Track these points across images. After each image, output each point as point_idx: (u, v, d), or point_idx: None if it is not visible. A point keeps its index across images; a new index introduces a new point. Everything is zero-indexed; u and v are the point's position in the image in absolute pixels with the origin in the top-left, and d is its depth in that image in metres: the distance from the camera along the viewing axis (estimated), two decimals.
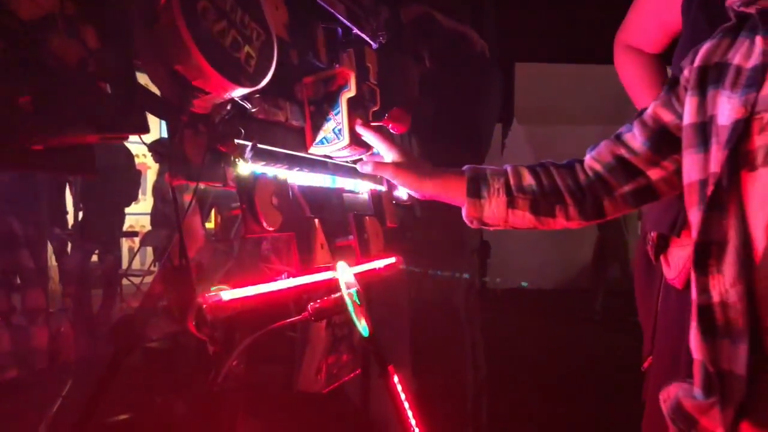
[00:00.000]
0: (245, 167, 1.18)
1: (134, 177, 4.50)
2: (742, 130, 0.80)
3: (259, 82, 1.09)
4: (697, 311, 0.83)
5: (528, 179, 1.08)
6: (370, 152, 1.58)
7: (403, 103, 2.04)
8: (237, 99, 1.12)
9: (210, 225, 1.95)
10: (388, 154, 1.24)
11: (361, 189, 1.83)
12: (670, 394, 0.89)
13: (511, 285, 6.44)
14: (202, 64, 0.97)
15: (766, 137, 0.78)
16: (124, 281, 4.96)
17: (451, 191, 1.14)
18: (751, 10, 0.85)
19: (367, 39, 1.67)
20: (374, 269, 1.76)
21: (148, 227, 5.32)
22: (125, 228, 6.10)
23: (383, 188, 1.92)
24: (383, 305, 2.38)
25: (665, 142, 0.98)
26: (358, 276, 1.62)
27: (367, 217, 1.77)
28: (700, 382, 0.84)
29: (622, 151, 1.02)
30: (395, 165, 1.20)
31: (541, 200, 1.07)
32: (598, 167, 1.05)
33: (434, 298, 2.71)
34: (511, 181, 1.09)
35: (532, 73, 6.67)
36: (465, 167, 1.15)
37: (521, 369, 4.12)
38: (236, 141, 1.16)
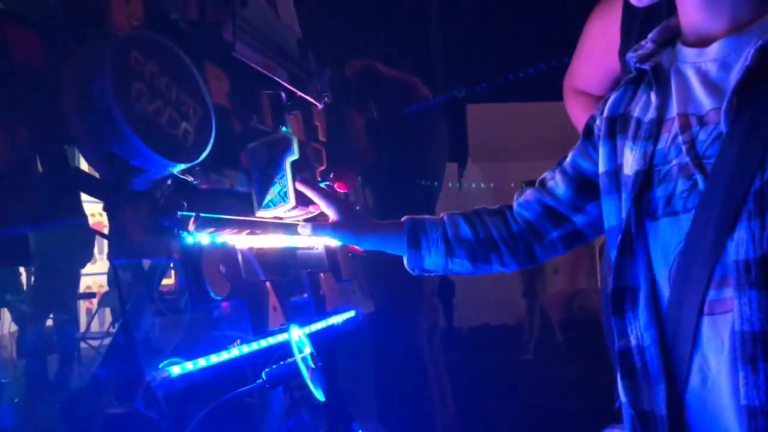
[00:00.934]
0: (189, 238, 1.18)
1: (87, 238, 4.38)
2: (643, 180, 0.85)
3: (199, 156, 1.10)
4: (617, 355, 0.86)
5: (464, 229, 1.13)
6: (318, 211, 1.59)
7: (349, 158, 2.07)
8: (177, 173, 1.12)
9: (170, 281, 1.92)
10: (327, 212, 1.26)
11: (316, 245, 1.84)
12: None
13: (477, 323, 6.45)
14: (138, 146, 0.98)
15: (665, 189, 0.83)
16: (83, 344, 4.80)
17: (391, 244, 1.18)
18: (646, 66, 0.90)
19: (312, 100, 1.70)
20: (332, 325, 1.76)
21: (107, 288, 5.18)
22: (82, 289, 5.93)
23: (338, 243, 1.93)
24: (347, 358, 2.38)
25: (586, 188, 1.03)
26: (316, 334, 1.62)
27: (322, 274, 1.77)
28: (627, 424, 0.86)
29: (548, 199, 1.08)
30: (333, 224, 1.22)
31: (477, 249, 1.12)
32: (527, 215, 1.10)
33: (397, 345, 2.71)
34: (449, 231, 1.13)
35: (483, 113, 6.84)
36: (404, 218, 1.18)
37: (490, 403, 4.11)
38: (179, 213, 1.16)
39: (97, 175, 1.04)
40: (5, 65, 0.86)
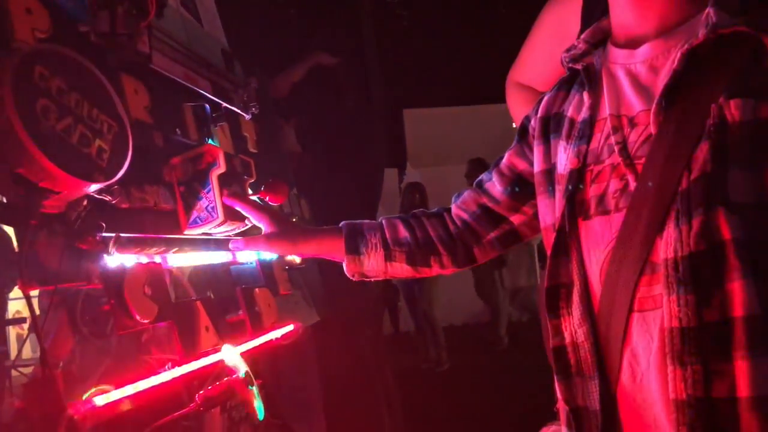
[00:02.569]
0: (110, 261, 1.12)
1: (10, 260, 4.15)
2: (577, 179, 0.86)
3: (115, 174, 1.05)
4: (552, 353, 0.87)
5: (403, 232, 1.12)
6: (249, 225, 1.55)
7: (282, 169, 2.04)
8: (94, 194, 1.06)
9: None
10: (259, 224, 1.23)
11: (250, 259, 1.79)
12: None
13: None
14: (47, 166, 0.92)
15: (597, 188, 0.84)
16: (14, 373, 4.57)
17: (329, 250, 1.17)
18: (578, 66, 0.92)
19: (239, 111, 1.66)
20: (272, 340, 1.71)
21: (38, 312, 4.95)
22: (12, 314, 5.64)
23: (274, 256, 1.89)
24: (291, 371, 2.33)
25: (522, 188, 1.04)
26: (254, 351, 1.57)
27: (257, 289, 1.72)
28: (564, 420, 0.87)
29: (485, 200, 1.08)
30: (266, 236, 1.20)
31: (417, 252, 1.12)
32: (465, 216, 1.10)
33: (341, 353, 2.68)
34: (387, 235, 1.12)
35: (420, 117, 6.92)
36: (342, 224, 1.17)
37: (438, 406, 4.13)
38: (98, 235, 1.10)
39: (3, 198, 0.98)
40: None
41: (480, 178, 1.13)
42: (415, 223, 1.14)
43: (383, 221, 1.17)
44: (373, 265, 1.13)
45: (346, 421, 2.72)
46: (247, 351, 1.53)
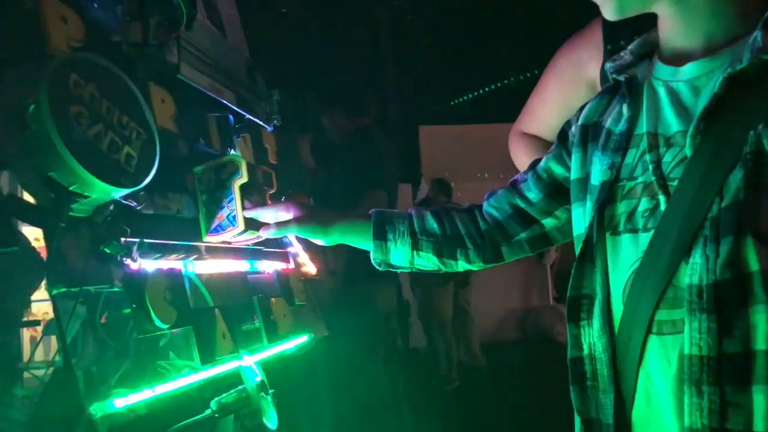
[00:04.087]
0: (133, 265, 1.15)
1: (31, 264, 4.20)
2: (608, 192, 0.86)
3: (142, 181, 1.07)
4: (569, 363, 0.87)
5: (431, 223, 1.12)
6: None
7: (301, 181, 2.06)
8: (120, 199, 1.09)
9: None
10: (287, 213, 1.23)
11: (267, 269, 1.81)
12: None
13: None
14: (78, 170, 0.94)
15: (628, 205, 0.84)
16: (26, 375, 4.60)
17: (357, 235, 1.17)
18: (621, 78, 0.92)
19: (261, 123, 1.69)
20: (284, 351, 1.72)
21: (51, 315, 4.98)
22: (26, 317, 5.67)
23: (290, 266, 1.91)
24: (301, 384, 2.33)
25: (557, 193, 1.04)
26: (268, 360, 1.59)
27: (273, 299, 1.74)
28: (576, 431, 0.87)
29: (518, 201, 1.08)
30: (297, 219, 1.20)
31: (444, 244, 1.12)
32: (496, 214, 1.10)
33: (353, 369, 2.68)
34: (416, 225, 1.12)
35: (435, 134, 6.96)
36: (371, 211, 1.17)
37: (449, 424, 4.10)
38: (122, 240, 1.12)
39: (33, 201, 1.00)
40: None
41: (515, 177, 1.13)
42: (444, 216, 1.14)
43: (413, 211, 1.18)
44: (399, 253, 1.13)
45: None
46: (262, 360, 1.54)
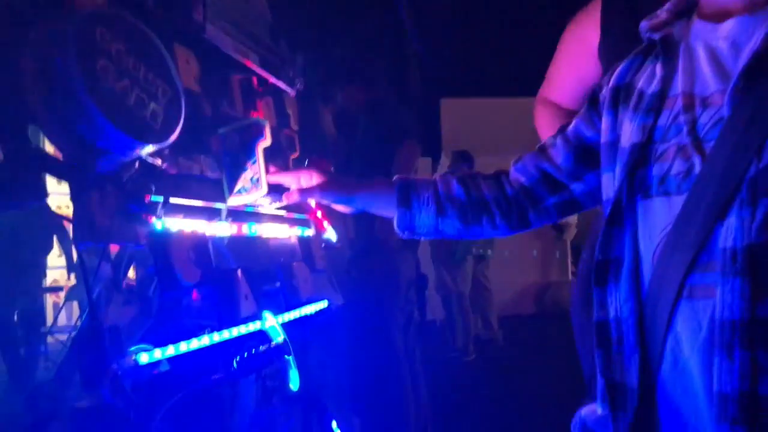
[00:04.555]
0: (158, 224, 1.15)
1: (49, 223, 4.22)
2: (639, 155, 0.84)
3: (167, 138, 1.07)
4: (594, 326, 0.86)
5: (456, 189, 1.11)
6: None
7: (322, 148, 2.05)
8: (145, 156, 1.09)
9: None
10: (310, 178, 1.21)
11: (289, 234, 1.82)
12: (576, 419, 0.91)
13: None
14: (104, 125, 0.95)
15: (660, 167, 0.82)
16: (50, 339, 4.71)
17: (381, 202, 1.15)
18: (656, 36, 0.89)
19: (284, 87, 1.68)
20: (305, 315, 1.74)
21: (74, 281, 5.07)
22: (49, 282, 5.79)
23: (311, 232, 1.91)
24: (320, 349, 2.36)
25: (587, 157, 1.01)
26: (289, 323, 1.60)
27: (295, 263, 1.75)
28: (599, 396, 0.86)
29: (546, 165, 1.05)
30: (320, 185, 1.18)
31: (469, 209, 1.10)
32: (523, 179, 1.08)
33: (371, 337, 2.70)
34: (440, 190, 1.11)
35: (457, 108, 6.87)
36: (395, 178, 1.16)
37: (466, 401, 4.13)
38: (147, 198, 1.13)
39: (60, 156, 1.01)
40: None
41: (543, 142, 1.11)
42: (469, 182, 1.12)
43: (437, 177, 1.16)
44: (424, 219, 1.11)
45: (372, 403, 2.74)
46: (283, 322, 1.56)
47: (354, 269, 2.71)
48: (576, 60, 1.52)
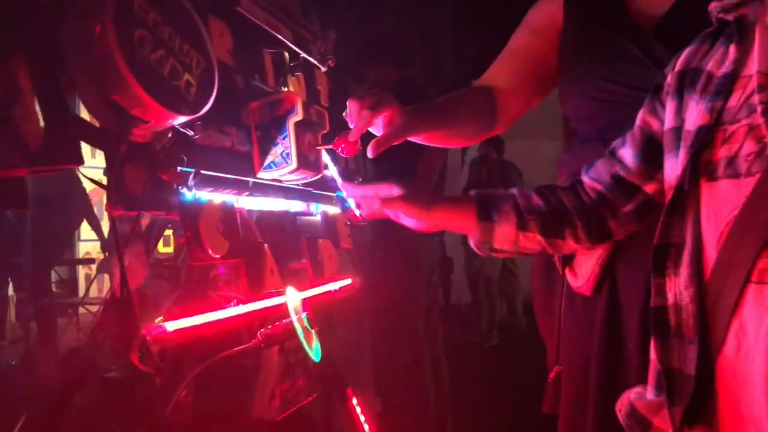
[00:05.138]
0: (189, 195, 1.17)
1: (77, 202, 4.29)
2: (705, 137, 0.81)
3: (200, 109, 1.08)
4: (652, 312, 0.85)
5: (536, 200, 1.06)
6: (320, 174, 1.58)
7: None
8: (178, 127, 1.11)
9: (169, 249, 1.91)
10: (389, 191, 1.08)
11: (314, 211, 1.83)
12: (624, 401, 0.90)
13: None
14: (139, 94, 0.96)
15: (728, 149, 0.79)
16: (81, 309, 4.84)
17: (460, 218, 1.08)
18: (729, 17, 0.86)
19: (316, 63, 1.68)
20: (329, 292, 1.75)
21: (105, 255, 5.18)
22: (82, 255, 5.93)
23: (337, 210, 1.92)
24: (344, 325, 2.38)
25: (654, 152, 0.97)
26: (313, 299, 1.62)
27: (320, 240, 1.76)
28: (653, 381, 0.85)
29: (617, 169, 1.02)
30: (402, 197, 1.07)
31: (550, 222, 1.05)
32: (598, 187, 1.04)
33: (393, 318, 2.71)
34: (520, 203, 1.06)
35: None
36: (471, 192, 1.11)
37: (488, 386, 4.13)
38: (179, 169, 1.15)
39: (97, 123, 1.03)
40: (5, 3, 0.84)
41: (613, 145, 1.08)
42: (548, 193, 1.06)
43: (515, 190, 1.12)
44: (504, 234, 1.04)
45: (392, 385, 2.76)
46: (308, 297, 1.58)
47: (377, 251, 2.71)
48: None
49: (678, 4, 0.95)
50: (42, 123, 0.85)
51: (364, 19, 2.79)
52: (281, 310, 1.45)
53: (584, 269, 1.07)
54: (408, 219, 1.04)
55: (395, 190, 1.06)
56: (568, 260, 1.11)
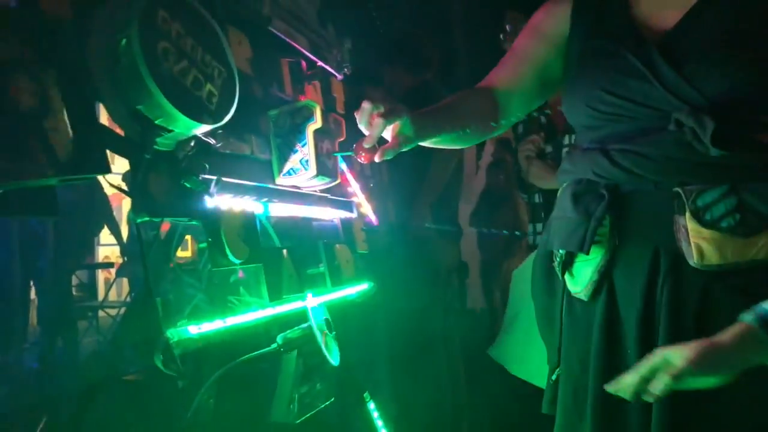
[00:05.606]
0: (210, 201, 1.20)
1: (98, 208, 4.35)
2: None
3: (222, 118, 1.11)
4: None
5: None
6: (338, 180, 1.60)
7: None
8: (200, 135, 1.13)
9: (187, 253, 1.94)
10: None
11: (331, 216, 1.85)
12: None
13: (488, 306, 6.43)
14: (164, 104, 0.99)
15: None
16: (101, 313, 4.90)
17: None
18: None
19: (332, 71, 1.70)
20: (347, 296, 1.77)
21: (124, 258, 5.23)
22: (101, 259, 6.00)
23: (354, 215, 1.94)
24: (361, 330, 2.39)
25: None
26: (331, 303, 1.64)
27: (337, 245, 1.78)
28: None
29: None
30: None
31: None
32: None
33: (410, 321, 2.71)
34: None
35: None
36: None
37: (504, 388, 4.11)
38: (201, 176, 1.17)
39: (122, 133, 1.06)
40: (34, 17, 0.87)
41: None
42: None
43: None
44: None
45: (409, 391, 2.76)
46: (326, 302, 1.60)
47: (394, 254, 2.72)
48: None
49: (685, 21, 0.95)
50: (70, 133, 0.88)
51: (380, 24, 2.80)
52: (300, 315, 1.47)
53: (583, 276, 1.09)
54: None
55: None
56: (568, 266, 1.12)
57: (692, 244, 0.88)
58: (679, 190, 0.90)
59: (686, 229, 0.89)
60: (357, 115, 0.91)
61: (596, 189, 0.99)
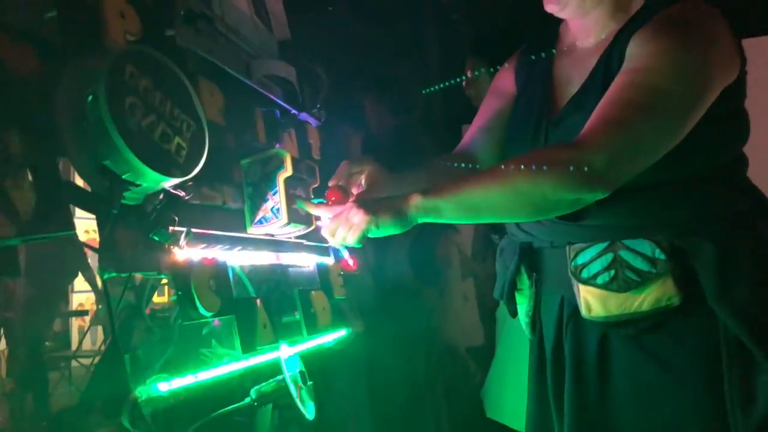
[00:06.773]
0: (180, 254, 1.18)
1: (76, 251, 4.26)
2: None
3: (191, 171, 1.10)
4: None
5: None
6: (313, 227, 1.59)
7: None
8: (169, 188, 1.12)
9: (163, 299, 1.91)
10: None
11: (307, 263, 1.83)
12: None
13: (473, 344, 6.39)
14: (131, 159, 0.98)
15: None
16: (74, 363, 4.76)
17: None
18: None
19: (307, 118, 1.71)
20: (323, 344, 1.74)
21: (99, 306, 5.12)
22: (75, 306, 5.87)
23: (330, 260, 1.93)
24: (339, 378, 2.35)
25: None
26: (307, 352, 1.61)
27: (313, 292, 1.76)
28: None
29: None
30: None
31: None
32: None
33: (392, 365, 2.68)
34: None
35: None
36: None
37: (485, 425, 4.06)
38: (170, 228, 1.16)
39: (88, 188, 1.04)
40: (0, 76, 0.87)
41: None
42: None
43: None
44: None
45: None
46: (302, 351, 1.57)
47: (374, 297, 2.70)
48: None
49: (573, 99, 1.01)
50: (33, 192, 0.86)
51: (364, 63, 2.84)
52: (275, 366, 1.44)
53: (521, 318, 1.18)
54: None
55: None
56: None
57: (581, 298, 0.96)
58: (567, 248, 0.99)
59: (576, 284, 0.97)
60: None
61: (514, 245, 1.10)
